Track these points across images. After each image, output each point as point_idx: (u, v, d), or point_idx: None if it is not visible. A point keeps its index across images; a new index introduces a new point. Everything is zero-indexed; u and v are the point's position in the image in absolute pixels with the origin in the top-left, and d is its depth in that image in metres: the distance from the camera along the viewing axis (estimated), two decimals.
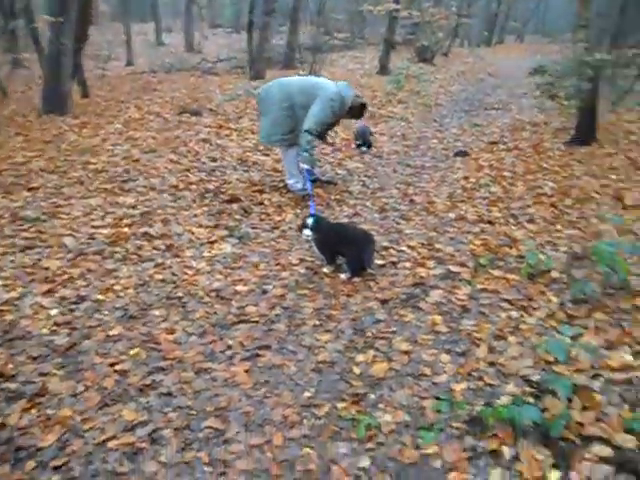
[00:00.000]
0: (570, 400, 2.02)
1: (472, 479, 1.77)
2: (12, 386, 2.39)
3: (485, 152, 6.67)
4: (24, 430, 2.14)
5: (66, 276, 3.42)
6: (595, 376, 2.17)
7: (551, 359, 2.30)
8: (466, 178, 5.49)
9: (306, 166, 4.58)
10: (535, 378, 2.19)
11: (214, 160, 6.13)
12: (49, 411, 2.25)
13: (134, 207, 4.64)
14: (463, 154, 6.53)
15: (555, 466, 1.78)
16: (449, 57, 21.34)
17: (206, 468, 1.96)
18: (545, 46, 25.28)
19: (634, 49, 6.83)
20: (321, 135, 4.95)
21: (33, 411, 2.25)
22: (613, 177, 5.14)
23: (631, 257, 3.06)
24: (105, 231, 4.11)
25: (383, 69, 15.09)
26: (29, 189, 5.00)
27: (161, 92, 11.78)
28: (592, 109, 6.82)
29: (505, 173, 5.57)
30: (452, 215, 4.38)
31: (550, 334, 2.52)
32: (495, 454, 1.86)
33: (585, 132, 6.77)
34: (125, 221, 4.33)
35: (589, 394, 2.04)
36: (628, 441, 1.81)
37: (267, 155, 6.43)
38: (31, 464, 1.98)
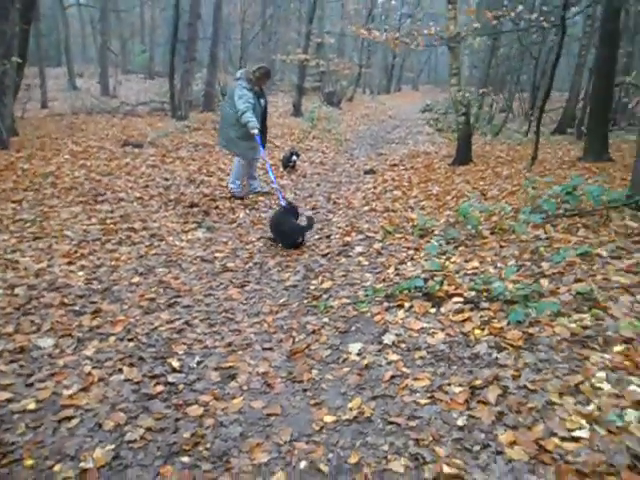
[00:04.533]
0: (442, 283, 3.44)
1: (389, 316, 3.11)
2: (75, 308, 3.42)
3: (388, 171, 8.32)
4: (96, 327, 3.20)
5: (78, 254, 4.42)
6: (457, 272, 3.61)
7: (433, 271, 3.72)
8: (375, 187, 7.04)
9: (256, 131, 5.90)
10: (423, 276, 3.59)
11: (167, 180, 7.25)
12: (109, 319, 3.31)
13: (112, 212, 5.66)
14: (371, 172, 8.14)
15: (432, 307, 3.16)
16: (354, 102, 23.75)
17: (229, 333, 3.14)
18: (437, 93, 28.61)
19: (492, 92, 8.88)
20: (259, 116, 6.19)
21: (98, 319, 3.30)
22: (481, 183, 6.90)
23: (483, 216, 4.66)
24: (95, 227, 5.12)
25: (297, 111, 16.84)
26: (13, 201, 5.84)
27: (87, 132, 12.49)
28: (468, 137, 8.75)
29: (404, 183, 7.19)
30: (366, 208, 5.85)
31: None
32: (400, 306, 3.22)
33: (463, 155, 8.65)
34: (109, 221, 5.35)
35: (453, 279, 3.46)
36: (472, 293, 3.23)
37: (211, 176, 7.65)
38: (112, 339, 3.05)
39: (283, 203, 5.15)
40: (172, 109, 14.71)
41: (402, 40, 7.42)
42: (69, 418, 2.33)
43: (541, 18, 6.38)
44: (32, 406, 2.41)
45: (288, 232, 4.73)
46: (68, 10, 26.32)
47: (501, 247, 4.04)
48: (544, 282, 3.29)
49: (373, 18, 26.74)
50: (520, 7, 6.29)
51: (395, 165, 8.89)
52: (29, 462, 2.07)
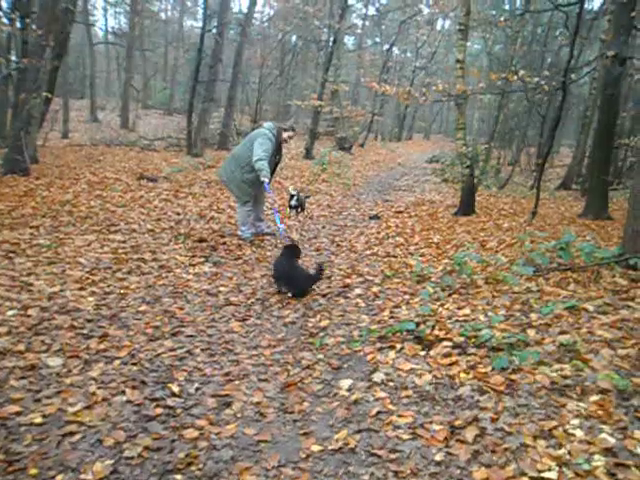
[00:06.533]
0: (433, 327, 3.60)
1: (380, 356, 3.26)
2: (83, 331, 3.60)
3: (393, 217, 8.57)
4: (103, 351, 3.37)
5: (90, 281, 4.63)
6: (449, 318, 3.77)
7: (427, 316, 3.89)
8: (378, 232, 7.27)
9: (266, 180, 6.09)
10: (416, 320, 3.75)
11: (178, 214, 7.54)
12: (115, 343, 3.49)
13: (124, 242, 5.91)
14: (376, 218, 8.39)
15: (422, 350, 3.32)
16: (365, 148, 24.34)
17: (228, 363, 3.30)
18: (447, 143, 29.28)
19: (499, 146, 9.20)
20: (271, 167, 6.39)
21: (105, 343, 3.48)
22: (482, 234, 7.11)
23: (479, 266, 4.85)
24: (107, 256, 5.35)
25: (308, 154, 17.31)
26: (31, 227, 6.11)
27: (105, 163, 12.89)
28: (471, 189, 9.02)
29: (407, 230, 7.42)
30: (368, 252, 6.06)
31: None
32: (391, 347, 3.38)
33: (466, 206, 8.90)
34: (120, 250, 5.58)
35: (444, 324, 3.63)
36: (461, 339, 3.39)
37: (221, 212, 7.92)
38: (117, 362, 3.22)
39: (282, 233, 5.11)
40: (188, 146, 15.20)
41: (411, 95, 7.80)
42: (72, 433, 2.48)
43: (542, 82, 6.76)
44: (38, 420, 2.57)
45: (299, 279, 4.68)
46: (95, 47, 27.52)
47: (493, 297, 4.21)
48: (531, 332, 3.45)
49: (388, 69, 27.65)
50: (522, 72, 6.68)
51: (400, 212, 9.15)
52: (33, 471, 2.22)
